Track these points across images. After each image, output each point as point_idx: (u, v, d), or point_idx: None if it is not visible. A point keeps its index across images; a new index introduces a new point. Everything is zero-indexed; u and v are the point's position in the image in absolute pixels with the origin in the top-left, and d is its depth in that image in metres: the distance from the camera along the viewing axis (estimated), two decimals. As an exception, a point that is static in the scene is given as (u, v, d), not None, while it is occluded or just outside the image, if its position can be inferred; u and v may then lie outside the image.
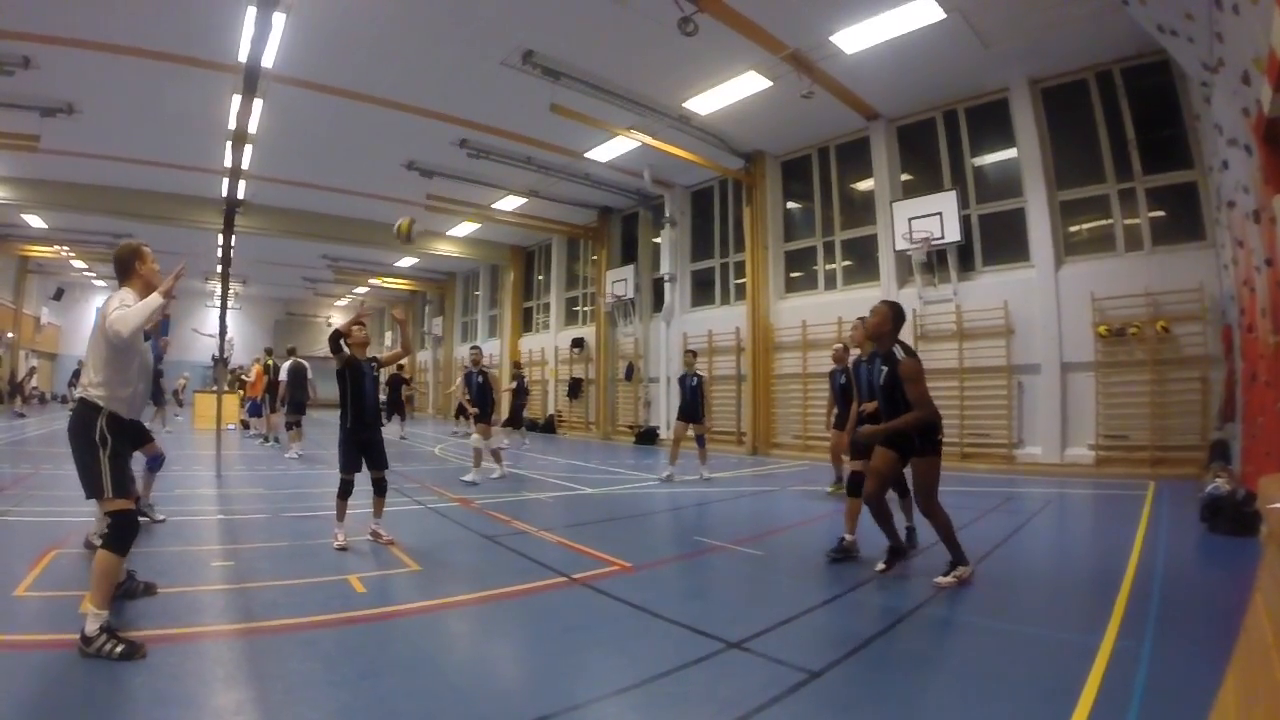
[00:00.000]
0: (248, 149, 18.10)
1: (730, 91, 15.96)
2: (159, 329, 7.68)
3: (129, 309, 4.29)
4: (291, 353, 17.83)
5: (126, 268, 4.68)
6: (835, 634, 4.76)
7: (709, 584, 6.24)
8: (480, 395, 12.94)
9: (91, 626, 3.99)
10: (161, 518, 7.84)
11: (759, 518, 6.89)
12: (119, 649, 3.95)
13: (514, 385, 21.23)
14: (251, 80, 8.64)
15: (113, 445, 4.37)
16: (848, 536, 6.84)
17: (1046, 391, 14.39)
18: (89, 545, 6.51)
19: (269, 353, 20.64)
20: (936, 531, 5.96)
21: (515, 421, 21.37)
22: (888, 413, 5.95)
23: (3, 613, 4.76)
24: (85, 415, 4.39)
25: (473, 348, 13.61)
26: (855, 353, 8.41)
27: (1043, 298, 14.47)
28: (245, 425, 22.54)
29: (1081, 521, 10.09)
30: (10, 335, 19.83)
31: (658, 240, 24.44)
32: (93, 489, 4.33)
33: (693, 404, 13.39)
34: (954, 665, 4.23)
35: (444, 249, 31.05)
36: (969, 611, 5.18)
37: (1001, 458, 14.86)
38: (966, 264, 16.11)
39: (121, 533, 4.30)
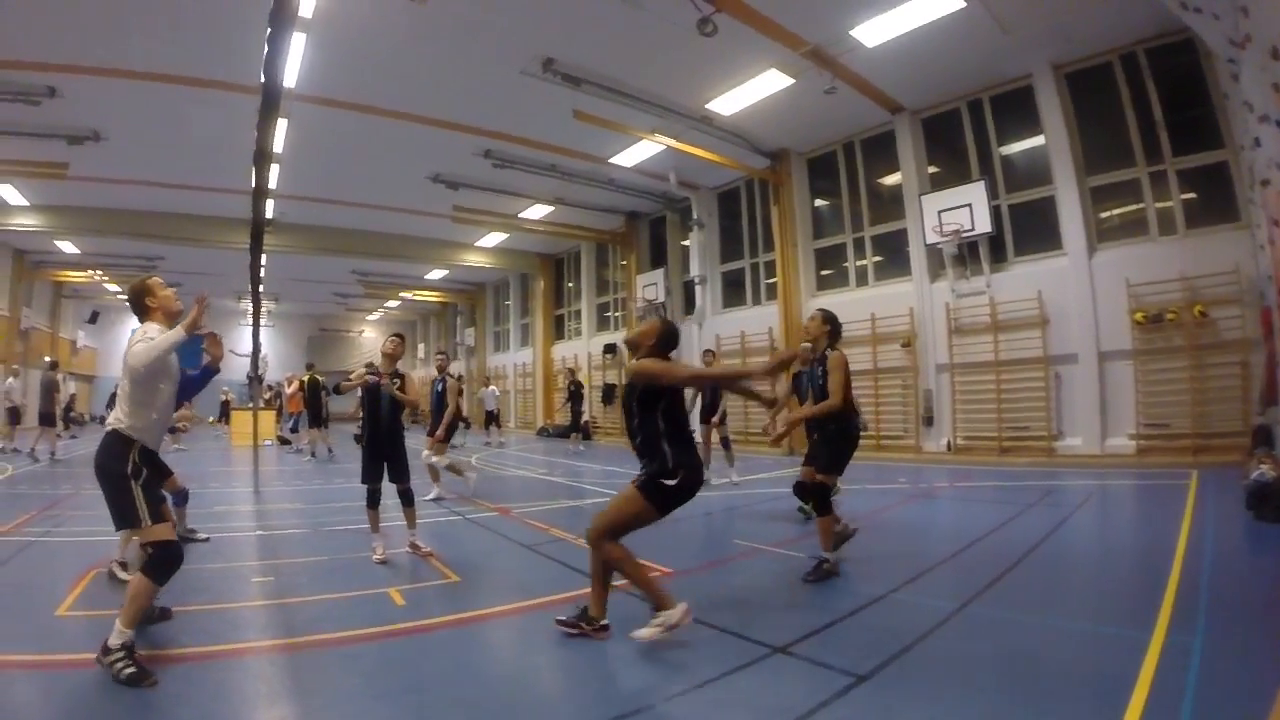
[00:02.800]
0: (274, 168, 18.40)
1: (752, 90, 16.01)
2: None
3: (151, 342, 4.35)
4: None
5: (140, 305, 4.77)
6: (881, 636, 4.66)
7: (751, 587, 6.16)
8: (437, 405, 12.05)
9: (114, 640, 4.03)
10: (204, 537, 7.96)
11: (797, 519, 6.88)
12: (128, 671, 3.95)
13: (571, 391, 21.45)
14: (275, 100, 8.76)
15: (146, 475, 4.40)
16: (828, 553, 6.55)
17: (1084, 381, 14.30)
18: (113, 576, 6.48)
19: (310, 368, 20.86)
20: (616, 569, 4.86)
21: (576, 428, 21.59)
22: (628, 430, 5.05)
23: (45, 632, 4.90)
24: (116, 448, 4.40)
25: (438, 354, 13.09)
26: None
27: (1077, 286, 14.38)
28: (284, 441, 22.82)
29: (1125, 513, 10.05)
30: (48, 359, 20.36)
31: (686, 243, 24.63)
32: (128, 519, 4.36)
33: (712, 405, 13.25)
34: (1002, 664, 4.18)
35: (473, 260, 31.42)
36: (1015, 609, 5.13)
37: (1041, 451, 14.75)
38: (998, 255, 16.06)
39: (163, 564, 4.31)
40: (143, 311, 4.75)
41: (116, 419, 4.48)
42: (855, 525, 7.07)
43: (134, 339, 4.46)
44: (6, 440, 19.20)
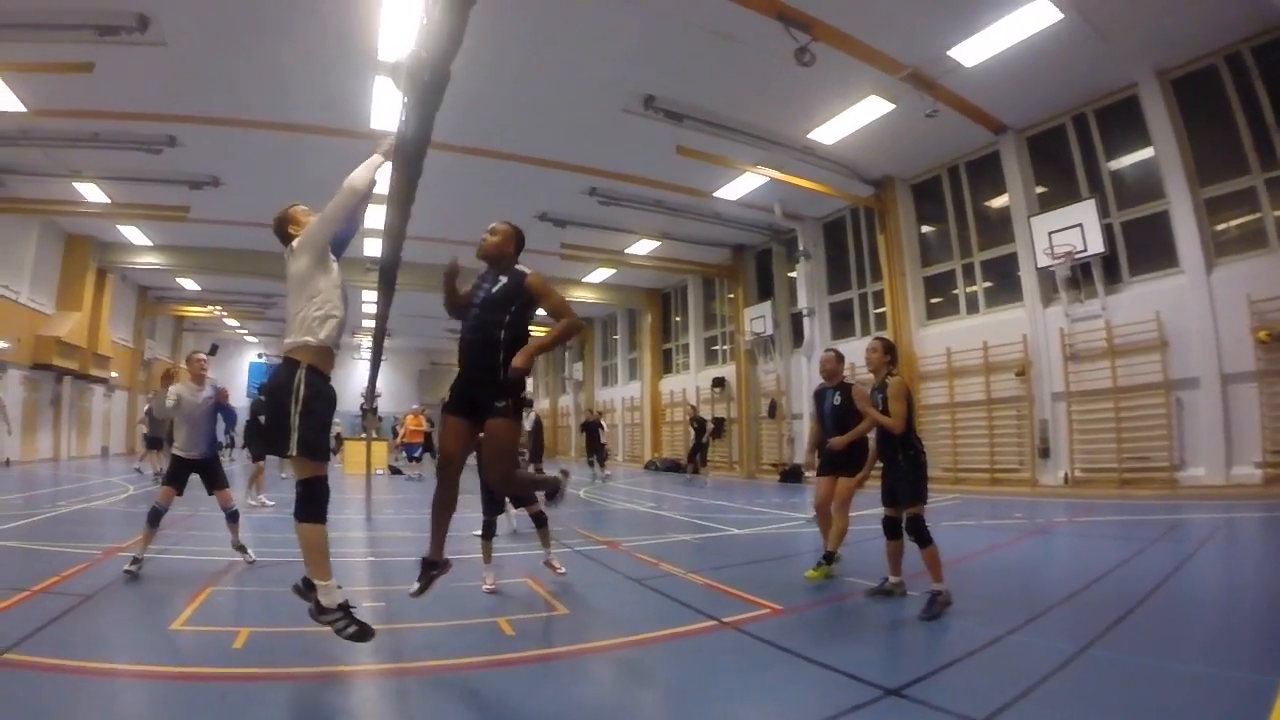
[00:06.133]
0: (383, 209, 19.55)
1: (853, 118, 16.34)
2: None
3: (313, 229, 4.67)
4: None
5: (284, 235, 4.98)
6: (997, 679, 4.50)
7: (862, 626, 6.12)
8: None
9: (326, 599, 4.18)
10: (252, 559, 8.20)
11: (910, 555, 6.70)
12: (350, 630, 4.18)
13: (698, 427, 22.04)
14: (421, 153, 9.35)
15: (306, 401, 4.32)
16: (892, 578, 6.81)
17: (1207, 407, 13.85)
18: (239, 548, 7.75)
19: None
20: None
21: (691, 459, 22.15)
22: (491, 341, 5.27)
23: (159, 645, 5.18)
24: (285, 371, 4.43)
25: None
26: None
27: (1196, 305, 14.01)
28: (395, 471, 23.96)
29: (1252, 547, 9.80)
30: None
31: (793, 274, 25.00)
32: (273, 445, 4.43)
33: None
34: (1125, 710, 4.00)
35: (581, 295, 32.41)
36: (1138, 652, 4.93)
37: (1163, 482, 14.34)
38: (1113, 275, 15.77)
39: (308, 499, 4.30)
40: (287, 240, 4.94)
41: (288, 341, 4.55)
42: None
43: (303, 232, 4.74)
44: (139, 461, 21.03)
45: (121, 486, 17.22)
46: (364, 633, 4.21)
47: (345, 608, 4.22)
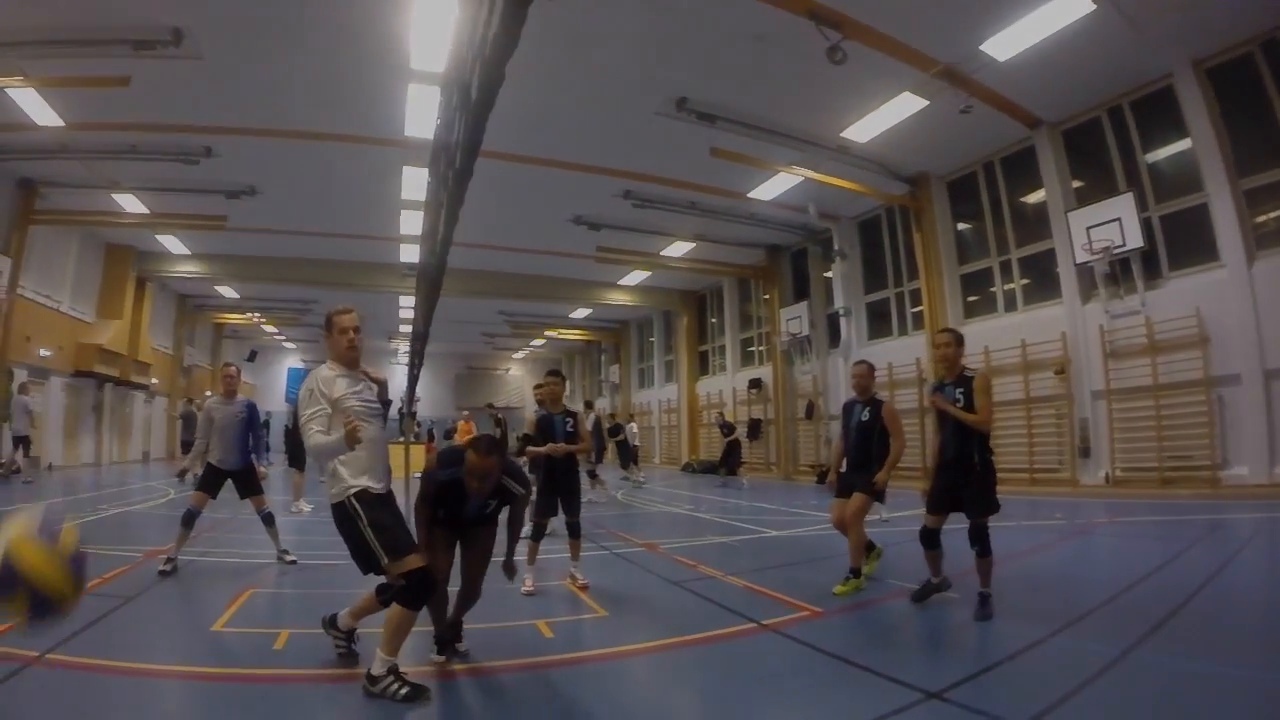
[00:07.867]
0: (419, 215, 19.95)
1: (887, 115, 16.34)
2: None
3: (315, 438, 4.49)
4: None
5: (328, 329, 4.95)
6: (1039, 683, 4.52)
7: (904, 629, 6.14)
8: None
9: (378, 668, 4.23)
10: (292, 559, 8.47)
11: (952, 557, 6.57)
12: (403, 691, 4.16)
13: (728, 434, 22.32)
14: (472, 157, 9.51)
15: (367, 515, 4.46)
16: (934, 579, 6.66)
17: (1250, 404, 13.71)
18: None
19: (491, 406, 22.44)
20: None
21: (724, 463, 22.38)
22: None
23: (200, 646, 5.33)
24: (339, 508, 4.56)
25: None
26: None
27: (1237, 299, 13.87)
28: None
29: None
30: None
31: (829, 274, 25.12)
32: (368, 564, 4.53)
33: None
34: (1168, 715, 4.01)
35: (616, 298, 32.94)
36: (1182, 656, 4.87)
37: (1205, 481, 14.22)
38: (1152, 270, 15.61)
39: (413, 592, 4.44)
40: (329, 330, 4.97)
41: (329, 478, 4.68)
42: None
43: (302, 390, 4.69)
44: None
45: (162, 490, 17.65)
46: (417, 692, 4.22)
47: (395, 670, 4.26)
